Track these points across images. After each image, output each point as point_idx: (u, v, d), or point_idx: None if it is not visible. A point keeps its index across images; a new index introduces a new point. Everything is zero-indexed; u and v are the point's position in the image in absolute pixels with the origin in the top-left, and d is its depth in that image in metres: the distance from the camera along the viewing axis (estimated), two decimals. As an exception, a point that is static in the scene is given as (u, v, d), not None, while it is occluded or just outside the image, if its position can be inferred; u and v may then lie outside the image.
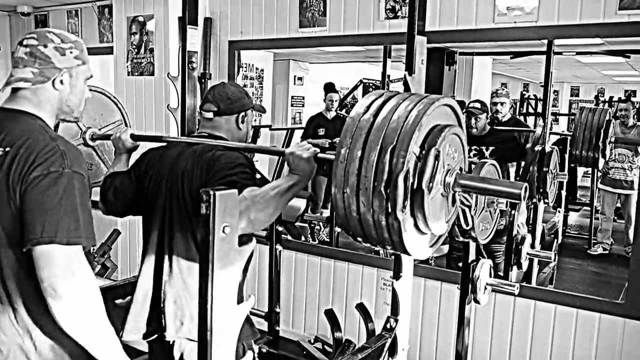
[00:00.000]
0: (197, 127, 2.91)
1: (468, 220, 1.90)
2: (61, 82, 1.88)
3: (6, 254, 1.73)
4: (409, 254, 1.76)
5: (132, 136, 2.61)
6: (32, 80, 1.84)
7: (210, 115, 2.49)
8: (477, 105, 4.81)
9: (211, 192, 1.42)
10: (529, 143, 4.80)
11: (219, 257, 1.46)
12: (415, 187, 1.62)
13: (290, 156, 2.09)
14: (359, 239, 1.79)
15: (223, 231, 1.45)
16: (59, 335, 1.73)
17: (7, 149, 1.72)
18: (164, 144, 2.54)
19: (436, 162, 1.64)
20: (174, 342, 2.38)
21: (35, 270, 1.64)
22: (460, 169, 1.82)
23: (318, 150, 2.08)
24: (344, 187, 1.66)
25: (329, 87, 7.06)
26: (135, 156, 2.61)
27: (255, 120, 7.15)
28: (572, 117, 10.41)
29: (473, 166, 2.55)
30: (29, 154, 1.69)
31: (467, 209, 1.92)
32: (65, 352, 1.79)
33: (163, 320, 2.36)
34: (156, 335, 2.39)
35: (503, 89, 5.02)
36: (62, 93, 1.90)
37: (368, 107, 1.73)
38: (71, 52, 1.89)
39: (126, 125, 3.01)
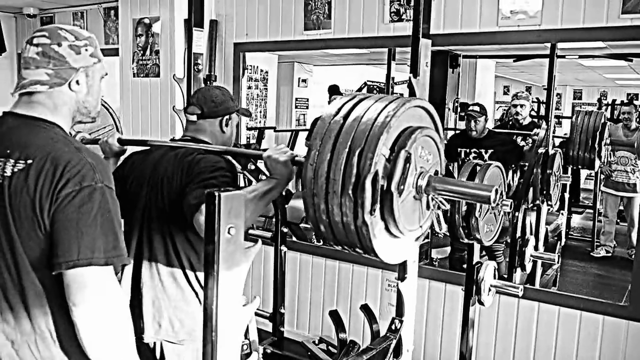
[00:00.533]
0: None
1: (441, 225, 1.85)
2: (77, 82, 1.73)
3: (29, 278, 1.58)
4: (379, 258, 1.71)
5: (120, 140, 2.53)
6: (48, 82, 1.69)
7: (194, 118, 2.48)
8: (477, 108, 4.84)
9: (216, 193, 1.41)
10: (526, 146, 4.85)
11: (224, 258, 1.43)
12: (385, 189, 1.59)
13: (267, 159, 2.10)
14: (331, 242, 1.75)
15: (228, 232, 1.43)
16: None
17: (30, 161, 1.56)
18: (148, 147, 2.53)
19: (407, 164, 1.61)
20: (154, 343, 2.40)
21: (66, 294, 1.53)
22: (436, 172, 1.78)
23: (295, 153, 2.08)
24: (313, 190, 1.63)
25: (334, 90, 7.07)
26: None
27: (259, 122, 7.17)
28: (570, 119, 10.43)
29: (478, 168, 2.57)
30: (56, 168, 1.54)
31: (441, 213, 1.87)
32: None
33: (142, 322, 2.37)
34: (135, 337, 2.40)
35: (523, 92, 5.05)
36: (79, 94, 1.75)
37: (339, 109, 1.69)
38: (86, 50, 1.74)
39: (117, 130, 2.98)
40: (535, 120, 6.90)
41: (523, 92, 5.08)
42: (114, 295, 1.56)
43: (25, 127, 1.67)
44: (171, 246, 2.33)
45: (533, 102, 8.54)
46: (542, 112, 7.92)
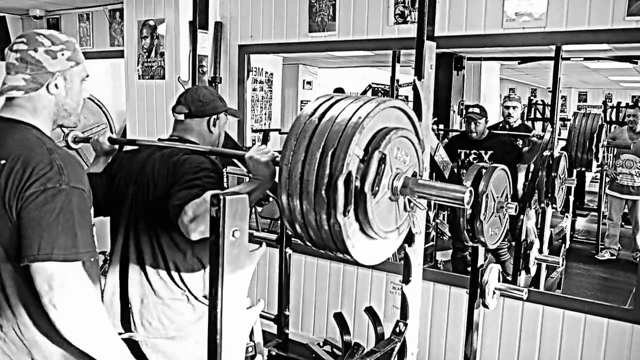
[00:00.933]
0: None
1: (416, 227, 1.84)
2: (56, 86, 1.81)
3: (6, 268, 1.70)
4: (354, 259, 1.70)
5: (110, 139, 2.57)
6: (24, 88, 1.77)
7: (181, 117, 2.47)
8: (477, 110, 4.86)
9: (221, 196, 1.41)
10: (526, 147, 4.86)
11: (228, 261, 1.43)
12: (359, 190, 1.59)
13: (249, 160, 2.08)
14: (307, 243, 1.75)
15: (233, 235, 1.43)
16: (68, 345, 1.71)
17: (2, 161, 1.66)
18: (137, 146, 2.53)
19: (381, 165, 1.60)
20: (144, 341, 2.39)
21: (34, 284, 1.63)
22: (415, 174, 1.78)
23: (276, 153, 2.04)
24: (288, 190, 1.63)
25: (339, 92, 7.09)
26: None
27: (264, 124, 7.19)
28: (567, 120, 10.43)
29: (484, 171, 2.57)
30: (24, 169, 1.64)
31: (416, 216, 1.84)
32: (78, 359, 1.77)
33: (132, 321, 2.38)
34: (127, 335, 2.38)
35: (515, 94, 5.05)
36: (58, 97, 1.83)
37: (316, 109, 1.69)
38: (63, 54, 1.81)
39: (111, 129, 3.00)
40: (527, 122, 6.92)
41: (515, 95, 5.10)
42: (79, 287, 1.65)
43: (5, 129, 1.76)
44: (157, 247, 2.33)
45: (538, 104, 8.56)
46: (547, 114, 7.94)
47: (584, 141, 4.29)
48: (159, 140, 2.52)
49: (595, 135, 4.26)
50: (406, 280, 2.44)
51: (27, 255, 1.61)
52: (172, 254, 2.33)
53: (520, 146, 5.02)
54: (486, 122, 4.86)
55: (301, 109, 8.49)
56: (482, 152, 4.81)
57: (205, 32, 3.55)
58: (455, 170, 4.70)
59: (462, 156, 4.90)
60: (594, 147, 4.26)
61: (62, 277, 1.62)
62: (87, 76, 1.92)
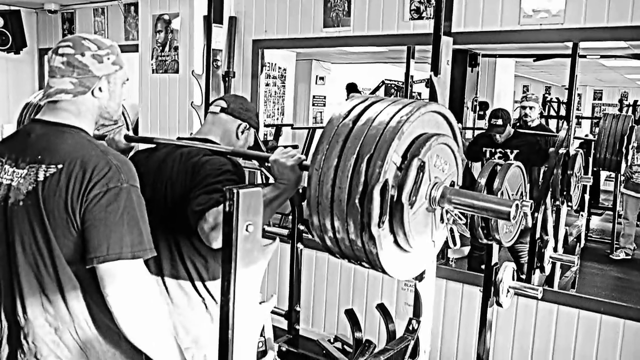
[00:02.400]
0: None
1: (456, 240, 1.68)
2: (100, 89, 1.84)
3: (65, 272, 1.72)
4: (386, 273, 1.60)
5: (126, 137, 2.52)
6: (72, 91, 1.80)
7: (217, 109, 2.43)
8: (499, 122, 4.78)
9: (235, 190, 1.38)
10: (552, 147, 4.80)
11: (241, 255, 1.42)
12: (395, 200, 1.48)
13: (274, 164, 1.99)
14: (336, 255, 1.66)
15: (246, 229, 1.41)
16: (123, 344, 1.78)
17: (60, 166, 1.69)
18: (153, 145, 2.46)
19: (420, 173, 1.49)
20: None
21: (100, 285, 1.67)
22: (452, 183, 1.66)
23: (303, 157, 1.98)
24: (318, 197, 1.53)
25: (352, 87, 7.07)
26: None
27: (277, 119, 7.18)
28: (596, 120, 10.33)
29: (498, 168, 2.54)
30: (84, 172, 1.67)
31: (455, 228, 1.70)
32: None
33: None
34: None
35: (532, 94, 4.99)
36: (102, 100, 1.86)
37: (349, 111, 1.58)
38: (108, 59, 1.85)
39: (127, 127, 2.98)
40: (544, 122, 6.86)
41: (532, 94, 5.02)
42: (144, 284, 1.70)
43: (53, 133, 1.78)
44: (177, 255, 2.26)
45: (553, 101, 8.50)
46: (562, 112, 7.88)
47: (613, 143, 4.24)
48: (178, 139, 2.46)
49: (625, 137, 4.21)
50: (419, 277, 2.42)
51: (96, 257, 1.64)
52: (193, 262, 2.27)
53: (545, 146, 4.96)
54: (510, 126, 4.81)
55: (314, 104, 8.48)
56: (508, 150, 4.77)
57: (219, 26, 3.54)
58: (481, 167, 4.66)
59: (488, 155, 4.86)
60: (623, 149, 4.22)
61: (130, 274, 1.68)
62: (127, 80, 1.95)
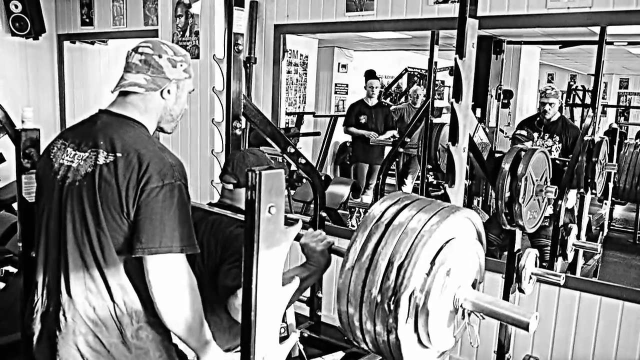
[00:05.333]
0: (230, 144, 2.90)
1: (476, 339, 1.74)
2: (168, 91, 1.95)
3: (111, 255, 1.82)
4: None
5: None
6: (145, 86, 1.91)
7: (230, 187, 2.45)
8: (524, 133, 4.71)
9: (257, 171, 1.39)
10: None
11: (264, 237, 1.43)
12: (421, 305, 1.52)
13: (304, 247, 2.07)
14: (362, 347, 1.70)
15: (269, 211, 1.42)
16: (157, 326, 1.89)
17: (119, 154, 1.79)
18: None
19: (446, 278, 1.55)
20: None
21: (145, 274, 1.78)
22: (475, 282, 1.71)
23: (333, 242, 2.06)
24: (348, 294, 1.58)
25: (370, 74, 7.02)
26: None
27: (298, 107, 7.17)
28: (622, 109, 10.20)
29: (523, 153, 2.51)
30: (141, 164, 1.77)
31: (474, 326, 1.74)
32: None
33: None
34: None
35: (553, 88, 4.91)
36: (168, 102, 1.97)
37: (382, 213, 1.63)
38: (181, 65, 1.97)
39: None
40: (566, 116, 6.77)
41: (552, 89, 4.93)
42: (186, 276, 1.81)
43: (118, 124, 1.89)
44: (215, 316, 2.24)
45: (578, 89, 8.39)
46: (588, 100, 7.77)
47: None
48: (209, 204, 2.49)
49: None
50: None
51: (148, 248, 1.75)
52: (218, 333, 2.22)
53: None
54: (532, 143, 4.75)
55: (336, 92, 8.44)
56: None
57: (241, 10, 3.51)
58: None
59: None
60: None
61: (174, 267, 1.79)
62: (193, 90, 2.07)
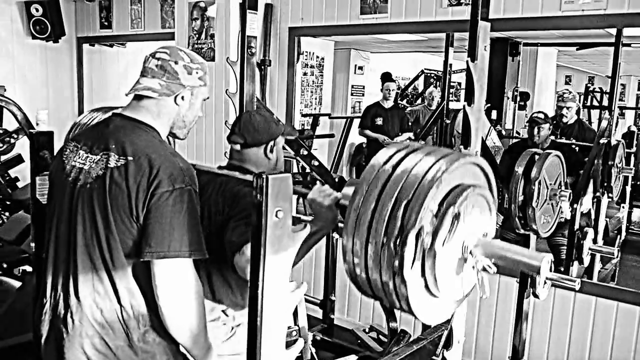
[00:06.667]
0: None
1: (485, 289, 1.64)
2: (182, 98, 1.96)
3: (119, 259, 1.83)
4: (415, 317, 1.59)
5: None
6: (158, 91, 1.92)
7: (237, 147, 2.43)
8: (541, 115, 4.68)
9: (263, 176, 1.38)
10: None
11: (271, 242, 1.42)
12: (428, 247, 1.48)
13: (311, 203, 2.05)
14: (368, 295, 1.65)
15: (276, 215, 1.41)
16: (163, 331, 1.87)
17: (130, 158, 1.80)
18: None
19: (455, 222, 1.50)
20: None
21: (152, 277, 1.78)
22: (486, 234, 1.65)
23: (340, 196, 2.00)
24: (354, 237, 1.53)
25: (386, 77, 7.02)
26: None
27: (314, 109, 7.17)
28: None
29: (537, 157, 2.49)
30: (151, 168, 1.78)
31: (484, 276, 1.67)
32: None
33: None
34: None
35: (569, 93, 4.86)
36: (181, 108, 1.98)
37: (390, 158, 1.59)
38: (197, 73, 1.98)
39: None
40: (585, 113, 6.70)
41: (570, 93, 4.87)
42: (192, 282, 1.82)
43: (130, 127, 1.90)
44: (208, 285, 2.25)
45: (595, 91, 8.31)
46: (605, 102, 7.70)
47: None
48: (219, 167, 2.47)
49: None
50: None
51: (156, 252, 1.76)
52: (224, 292, 2.28)
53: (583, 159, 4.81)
54: (549, 129, 4.69)
55: (352, 94, 8.43)
56: None
57: (254, 13, 3.52)
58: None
59: None
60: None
61: (181, 272, 1.79)
62: (207, 97, 2.08)
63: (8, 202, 5.05)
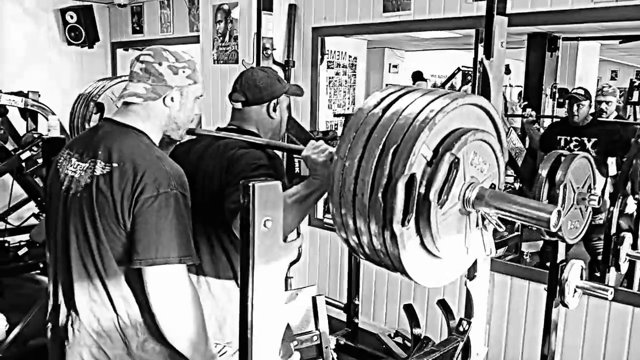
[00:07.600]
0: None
1: (486, 247, 1.53)
2: (172, 99, 1.91)
3: (111, 267, 1.81)
4: (410, 278, 1.45)
5: None
6: (143, 96, 1.88)
7: (238, 105, 2.32)
8: (581, 92, 4.53)
9: (250, 184, 1.29)
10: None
11: (260, 253, 1.34)
12: (423, 197, 1.34)
13: (306, 160, 1.95)
14: (360, 255, 1.53)
15: (264, 225, 1.33)
16: (162, 338, 1.84)
17: (115, 164, 1.77)
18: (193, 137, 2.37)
19: (453, 170, 1.35)
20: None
21: (144, 284, 1.76)
22: (493, 186, 1.50)
23: (334, 151, 1.90)
24: (341, 191, 1.40)
25: (417, 75, 6.90)
26: None
27: (347, 109, 7.09)
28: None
29: (563, 158, 2.34)
30: (136, 173, 1.75)
31: (487, 232, 1.54)
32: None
33: None
34: None
35: (610, 86, 4.67)
36: (172, 110, 1.93)
37: (380, 101, 1.45)
38: (184, 72, 1.92)
39: None
40: (630, 111, 6.46)
41: (610, 87, 4.69)
42: (185, 288, 1.79)
43: (118, 132, 1.87)
44: (218, 250, 2.20)
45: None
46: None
47: None
48: (217, 129, 2.38)
49: None
50: (471, 275, 2.28)
51: (145, 259, 1.73)
52: (236, 259, 2.19)
53: (625, 136, 4.63)
54: (590, 105, 4.54)
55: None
56: (585, 139, 4.49)
57: (269, 14, 3.47)
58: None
59: (562, 143, 4.59)
60: None
61: (173, 278, 1.76)
62: (201, 95, 2.03)
63: (44, 203, 5.17)
